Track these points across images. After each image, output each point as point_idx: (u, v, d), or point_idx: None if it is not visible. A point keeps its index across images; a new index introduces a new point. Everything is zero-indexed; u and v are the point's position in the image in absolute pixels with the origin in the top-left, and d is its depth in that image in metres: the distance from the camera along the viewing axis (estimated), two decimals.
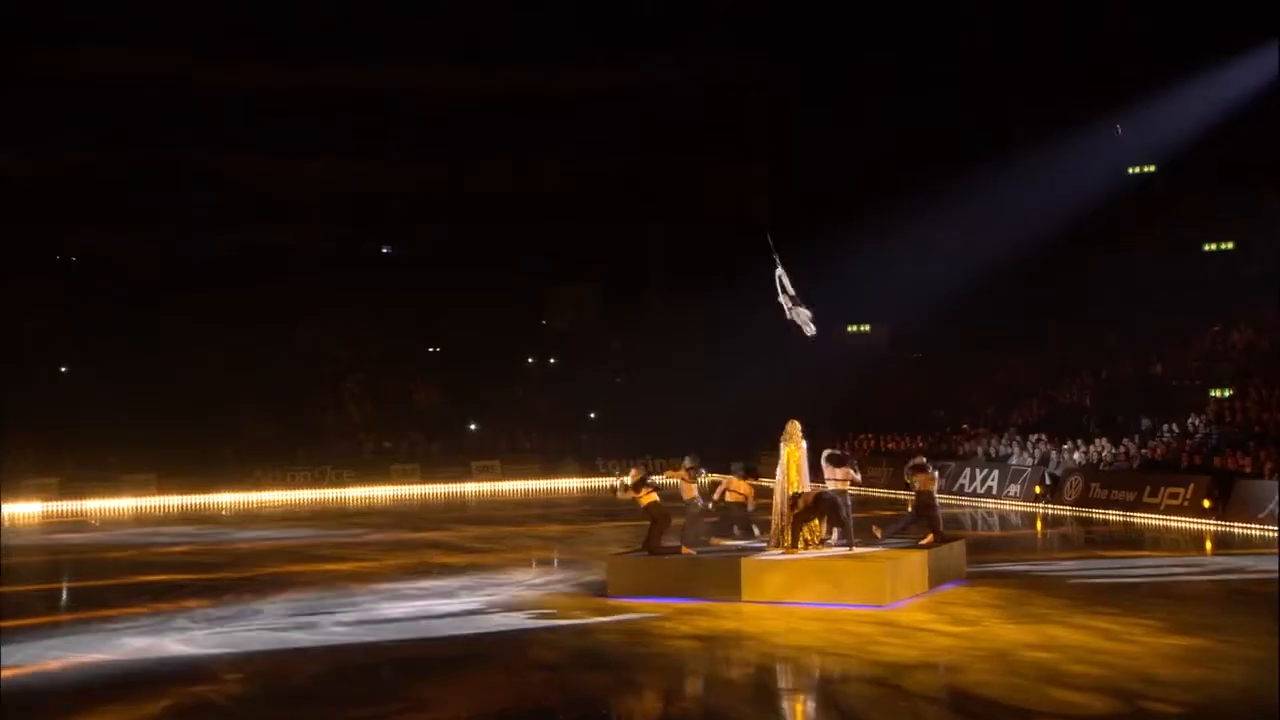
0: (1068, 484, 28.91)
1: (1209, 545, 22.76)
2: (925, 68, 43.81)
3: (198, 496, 37.60)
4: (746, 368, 45.62)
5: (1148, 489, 26.52)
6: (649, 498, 17.42)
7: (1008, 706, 10.73)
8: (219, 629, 15.62)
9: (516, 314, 51.49)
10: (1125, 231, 43.39)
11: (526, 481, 41.26)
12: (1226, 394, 31.83)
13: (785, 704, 11.66)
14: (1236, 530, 23.88)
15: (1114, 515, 26.94)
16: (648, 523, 17.60)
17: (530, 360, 52.34)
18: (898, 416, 40.34)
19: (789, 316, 18.77)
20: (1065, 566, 19.54)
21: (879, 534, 18.03)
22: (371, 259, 53.70)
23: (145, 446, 39.08)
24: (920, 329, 45.71)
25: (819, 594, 15.94)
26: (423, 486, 40.46)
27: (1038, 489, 29.50)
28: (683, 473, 18.03)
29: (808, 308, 18.70)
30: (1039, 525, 27.17)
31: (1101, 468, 28.81)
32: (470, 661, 13.45)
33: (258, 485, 38.93)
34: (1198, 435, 28.66)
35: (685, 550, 17.28)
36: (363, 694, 12.17)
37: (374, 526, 28.91)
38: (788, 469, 17.64)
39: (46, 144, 44.65)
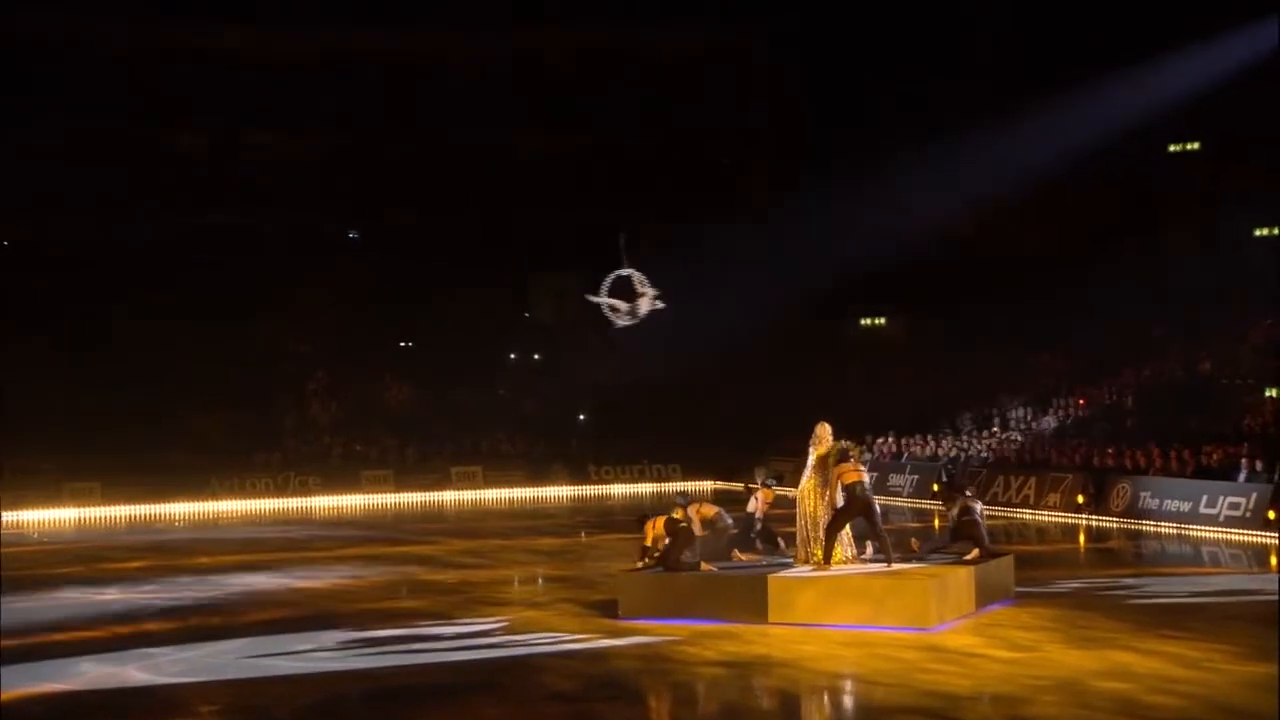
0: (1114, 492, 28.82)
1: (1276, 562, 22.68)
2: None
3: (147, 506, 37.22)
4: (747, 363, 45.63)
5: (1205, 498, 26.42)
6: (661, 520, 17.19)
7: None
8: (187, 654, 15.42)
9: (496, 305, 51.12)
10: (1165, 215, 43.39)
11: (511, 489, 41.01)
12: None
13: None
14: None
15: (1167, 527, 26.86)
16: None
17: (513, 356, 52.04)
18: (916, 417, 40.16)
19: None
20: (1122, 584, 19.44)
21: (917, 548, 17.92)
22: (334, 245, 53.26)
23: (85, 450, 38.66)
24: (939, 322, 45.56)
25: (855, 615, 15.80)
26: (397, 495, 40.19)
27: (1080, 498, 29.39)
28: (695, 508, 17.80)
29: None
30: (1082, 539, 27.12)
31: (1150, 474, 28.72)
32: (477, 691, 13.28)
33: (214, 494, 38.57)
34: (1255, 439, 28.69)
35: (705, 566, 17.10)
36: None
37: (348, 540, 28.69)
38: (816, 478, 17.46)
39: None
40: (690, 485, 41.15)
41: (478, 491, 40.92)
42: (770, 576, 16.47)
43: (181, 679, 14.12)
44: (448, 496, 40.44)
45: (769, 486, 19.12)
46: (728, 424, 43.85)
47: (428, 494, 40.45)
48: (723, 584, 16.79)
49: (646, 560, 17.30)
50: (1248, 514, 25.34)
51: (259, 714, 12.57)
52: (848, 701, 12.46)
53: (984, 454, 35.40)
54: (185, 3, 45.54)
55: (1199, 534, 26.05)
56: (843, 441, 17.22)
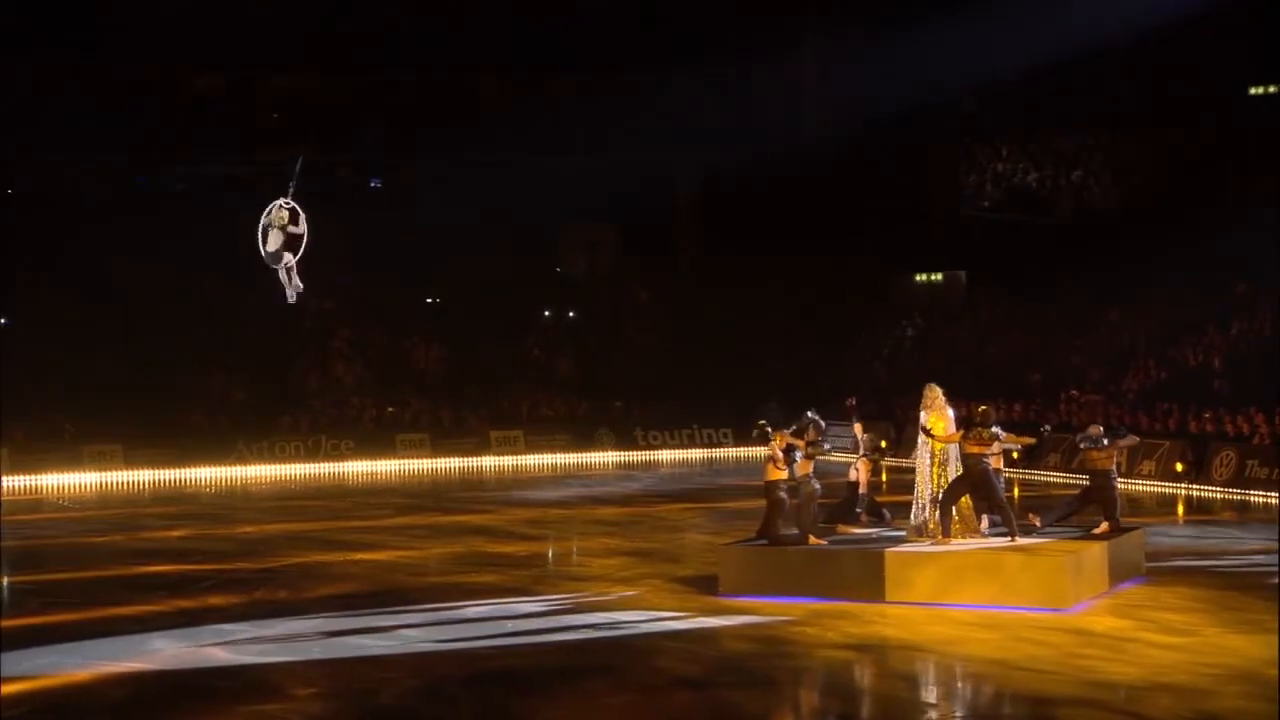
0: (1217, 460, 28.30)
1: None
2: None
3: (172, 471, 36.84)
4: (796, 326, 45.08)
5: None
6: (778, 474, 16.49)
7: None
8: (264, 631, 15.00)
9: (526, 259, 50.41)
10: (1251, 162, 42.68)
11: (554, 455, 40.53)
12: None
13: None
14: None
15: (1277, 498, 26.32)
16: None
17: (546, 314, 51.48)
18: (981, 382, 39.50)
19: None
20: (1257, 561, 18.89)
21: (1038, 523, 17.35)
22: (354, 194, 52.63)
23: (105, 412, 38.24)
24: (1000, 279, 44.96)
25: (983, 595, 15.32)
26: (434, 460, 39.75)
27: (1179, 466, 28.85)
28: (803, 444, 16.99)
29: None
30: (1181, 510, 26.62)
31: (1255, 441, 28.17)
32: (592, 675, 12.83)
33: (241, 459, 38.16)
34: None
35: (813, 540, 16.58)
36: (478, 715, 11.54)
37: (395, 508, 28.25)
38: (932, 442, 16.97)
39: None
40: (741, 452, 40.69)
41: (519, 457, 40.45)
42: (887, 552, 15.99)
43: (266, 658, 13.72)
44: (488, 462, 39.99)
45: (868, 457, 18.59)
46: (774, 386, 43.26)
47: (467, 459, 39.99)
48: (833, 559, 16.31)
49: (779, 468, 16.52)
50: None
51: (362, 698, 12.13)
52: (1013, 692, 11.83)
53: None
54: None
55: None
56: (980, 408, 16.72)
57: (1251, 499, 26.87)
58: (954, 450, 16.66)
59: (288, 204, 17.99)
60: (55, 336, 41.79)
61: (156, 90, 47.60)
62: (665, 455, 41.20)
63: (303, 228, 18.16)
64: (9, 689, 12.52)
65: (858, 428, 18.94)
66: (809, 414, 17.08)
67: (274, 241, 18.05)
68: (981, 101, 46.03)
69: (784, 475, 16.44)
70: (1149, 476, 29.58)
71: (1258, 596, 15.90)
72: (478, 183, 48.37)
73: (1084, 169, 45.68)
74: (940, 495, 16.56)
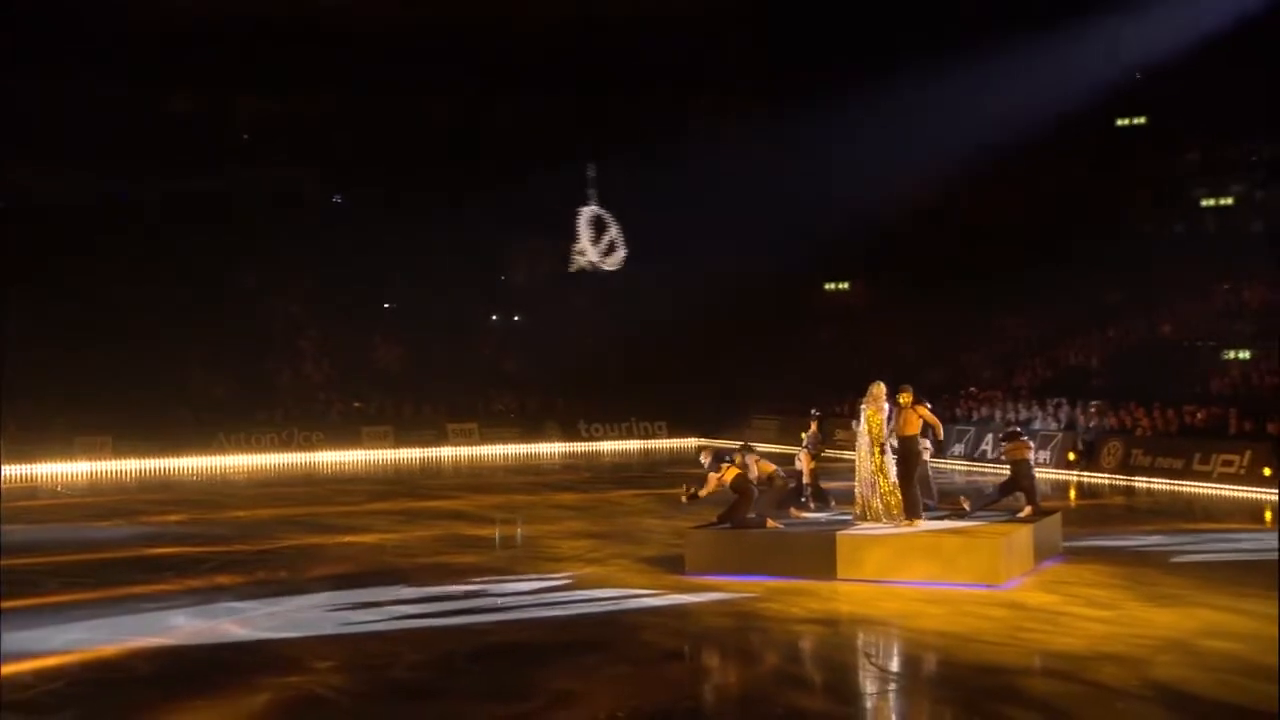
0: (1105, 450, 28.49)
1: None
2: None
3: (158, 460, 36.14)
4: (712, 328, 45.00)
5: (1197, 456, 26.12)
6: (732, 473, 16.44)
7: (1237, 709, 10.02)
8: (274, 609, 14.60)
9: (473, 268, 50.00)
10: (1117, 186, 43.21)
11: (506, 446, 40.22)
12: (1244, 355, 31.65)
13: (992, 705, 10.30)
14: None
15: (1159, 484, 26.54)
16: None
17: (494, 318, 51.07)
18: (891, 380, 39.60)
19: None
20: (1154, 541, 18.92)
21: (967, 506, 17.34)
22: (319, 208, 51.92)
23: (95, 406, 37.41)
24: (903, 287, 45.14)
25: (926, 572, 15.24)
26: (397, 451, 39.27)
27: (1071, 455, 29.04)
28: (754, 459, 17.07)
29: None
30: (1073, 495, 26.73)
31: (1138, 433, 28.39)
32: (586, 649, 12.54)
33: (222, 449, 37.50)
34: (1223, 399, 28.49)
35: (771, 524, 16.44)
36: (490, 686, 11.23)
37: (369, 494, 27.82)
38: (871, 435, 16.85)
39: None
40: (676, 443, 40.61)
41: (474, 448, 40.08)
42: (838, 534, 15.86)
43: (280, 634, 13.34)
44: (445, 452, 39.59)
45: (809, 450, 18.61)
46: (705, 383, 43.20)
47: (426, 450, 39.58)
48: (790, 541, 16.18)
49: (691, 490, 16.63)
50: (1241, 470, 25.07)
51: (377, 671, 11.77)
52: (973, 663, 11.61)
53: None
54: None
55: (1193, 491, 25.75)
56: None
57: (1134, 484, 27.09)
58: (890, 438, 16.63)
59: (594, 211, 19.29)
60: (50, 337, 40.86)
61: (135, 109, 46.74)
62: (606, 446, 40.99)
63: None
64: (47, 663, 12.11)
65: (813, 425, 19.20)
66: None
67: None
68: None
69: (738, 471, 16.43)
70: (1045, 465, 29.68)
71: (1164, 574, 15.94)
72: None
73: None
74: (876, 478, 16.50)
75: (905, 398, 16.51)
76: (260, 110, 50.68)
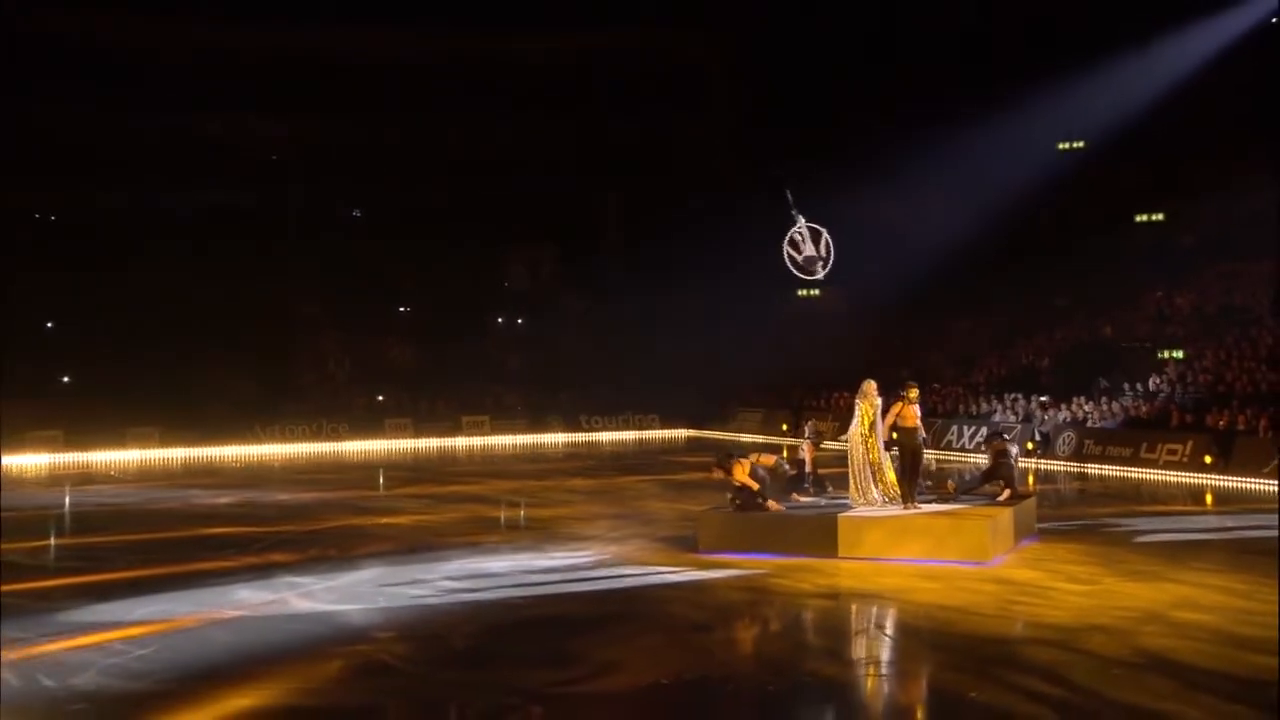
0: (1060, 440, 28.56)
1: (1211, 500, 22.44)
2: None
3: (202, 449, 35.92)
4: (700, 330, 44.93)
5: (1144, 445, 26.22)
6: (745, 467, 16.45)
7: (1223, 675, 10.00)
8: (330, 584, 14.50)
9: (479, 277, 49.92)
10: (1062, 203, 43.37)
11: (514, 436, 40.13)
12: (1177, 355, 31.82)
13: (998, 671, 10.18)
14: (1248, 486, 23.56)
15: (1111, 470, 26.62)
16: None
17: (500, 320, 50.97)
18: (864, 377, 39.59)
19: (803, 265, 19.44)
20: (1119, 523, 18.95)
21: (953, 489, 17.37)
22: (334, 221, 51.68)
23: (144, 402, 37.21)
24: (871, 295, 45.14)
25: (920, 551, 15.25)
26: (416, 440, 39.16)
27: (1029, 445, 29.12)
28: (757, 457, 17.12)
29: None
30: (1031, 481, 26.75)
31: (1089, 424, 28.49)
32: (620, 621, 12.50)
33: (257, 439, 37.33)
34: (1163, 394, 28.60)
35: (773, 506, 16.44)
36: (538, 654, 11.16)
37: (397, 480, 27.69)
38: (864, 427, 16.86)
39: (12, 100, 41.97)
40: (667, 434, 40.57)
41: (486, 438, 39.97)
42: (840, 516, 15.85)
43: (340, 605, 13.25)
44: (460, 442, 39.46)
45: (811, 441, 18.69)
46: (690, 379, 43.12)
47: (443, 440, 39.46)
48: (795, 522, 16.15)
49: (734, 497, 16.58)
50: (1184, 459, 25.19)
51: (437, 643, 11.70)
52: (977, 633, 11.59)
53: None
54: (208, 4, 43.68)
55: (1140, 476, 25.84)
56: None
57: (1088, 470, 27.16)
58: (879, 428, 16.66)
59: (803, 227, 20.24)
60: (103, 342, 40.63)
61: (182, 134, 46.43)
62: (604, 436, 40.92)
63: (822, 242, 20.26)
64: (132, 632, 12.03)
65: (812, 422, 19.47)
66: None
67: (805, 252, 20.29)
68: None
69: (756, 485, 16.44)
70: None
71: (1131, 552, 15.99)
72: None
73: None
74: (873, 468, 16.54)
75: (913, 393, 16.53)
76: (289, 134, 50.39)
